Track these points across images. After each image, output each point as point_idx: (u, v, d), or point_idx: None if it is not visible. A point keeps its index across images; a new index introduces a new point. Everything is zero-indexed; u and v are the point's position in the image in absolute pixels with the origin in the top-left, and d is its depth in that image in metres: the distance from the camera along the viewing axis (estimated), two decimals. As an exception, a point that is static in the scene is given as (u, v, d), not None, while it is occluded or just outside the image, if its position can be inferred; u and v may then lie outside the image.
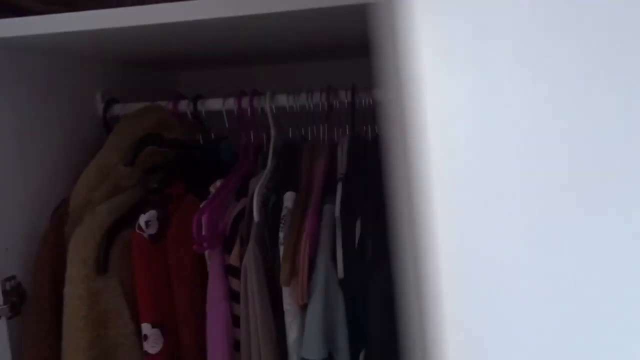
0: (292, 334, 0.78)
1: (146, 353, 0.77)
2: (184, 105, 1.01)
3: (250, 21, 0.69)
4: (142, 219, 0.79)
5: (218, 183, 0.89)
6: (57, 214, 0.86)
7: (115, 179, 0.86)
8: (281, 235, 0.79)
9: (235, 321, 0.80)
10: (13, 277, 0.78)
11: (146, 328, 0.77)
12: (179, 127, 0.98)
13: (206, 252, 0.82)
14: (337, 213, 0.79)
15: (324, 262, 0.76)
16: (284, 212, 0.81)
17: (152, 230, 0.81)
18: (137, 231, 0.79)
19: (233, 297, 0.80)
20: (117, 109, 1.03)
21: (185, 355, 0.79)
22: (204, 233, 0.79)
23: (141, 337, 0.77)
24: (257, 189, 0.84)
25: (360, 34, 0.71)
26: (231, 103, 0.99)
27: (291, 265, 0.75)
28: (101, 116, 1.04)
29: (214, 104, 1.01)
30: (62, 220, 0.83)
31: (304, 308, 0.78)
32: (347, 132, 0.96)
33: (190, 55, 1.09)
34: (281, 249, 0.79)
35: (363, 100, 0.94)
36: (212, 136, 1.03)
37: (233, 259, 0.80)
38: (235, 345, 0.80)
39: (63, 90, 0.94)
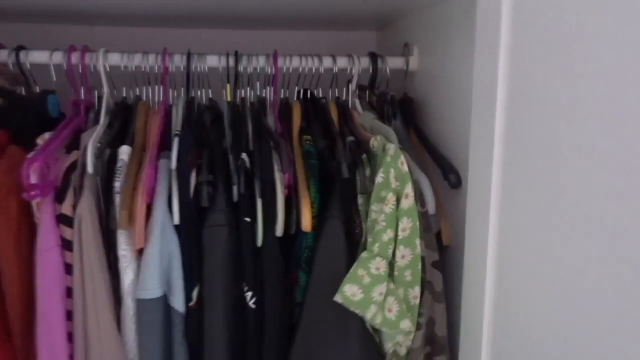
0: (127, 278, 0.83)
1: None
2: (4, 55, 0.96)
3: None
4: (-39, 167, 0.76)
5: (46, 135, 0.88)
6: None
7: None
8: (117, 184, 0.83)
9: (67, 269, 0.81)
10: None
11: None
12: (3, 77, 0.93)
13: (34, 202, 0.82)
14: (174, 166, 0.85)
15: (160, 209, 0.82)
16: (120, 164, 0.85)
17: (-28, 178, 0.77)
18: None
19: (65, 245, 0.81)
20: None
21: (13, 304, 0.78)
22: (33, 182, 0.78)
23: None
24: (91, 142, 0.86)
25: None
26: (59, 57, 0.97)
27: (129, 212, 0.80)
28: None
29: (40, 56, 0.97)
30: None
31: (139, 253, 0.83)
32: (183, 95, 1.02)
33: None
34: (117, 197, 0.82)
35: (198, 67, 1.01)
36: (37, 90, 0.99)
37: (65, 208, 0.81)
38: (68, 292, 0.81)
39: None
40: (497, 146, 0.65)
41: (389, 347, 0.82)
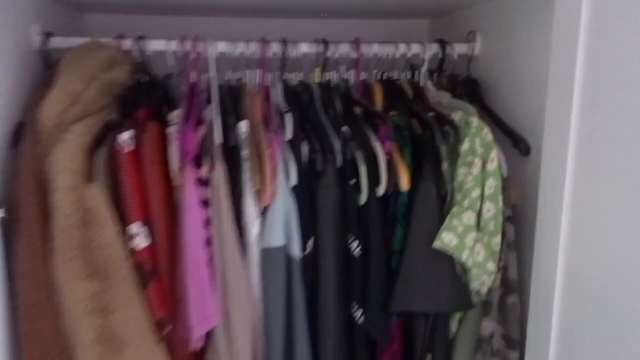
0: (253, 230, 0.99)
1: (136, 249, 0.90)
2: (129, 44, 1.11)
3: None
4: (123, 137, 0.91)
5: (175, 113, 1.03)
6: (25, 134, 0.91)
7: (85, 103, 0.94)
8: (244, 152, 0.99)
9: (205, 223, 0.97)
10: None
11: (136, 227, 0.90)
12: (128, 64, 1.08)
13: (175, 168, 0.97)
14: (289, 137, 1.01)
15: (281, 173, 0.98)
16: (244, 135, 1.00)
17: (130, 147, 0.93)
18: (119, 147, 0.90)
19: (203, 203, 0.96)
20: (57, 42, 1.08)
21: (162, 251, 0.94)
22: (181, 151, 0.94)
23: (126, 237, 0.90)
24: (215, 118, 1.01)
25: None
26: (174, 45, 1.12)
27: (260, 176, 0.96)
28: (36, 48, 1.07)
29: (158, 44, 1.12)
30: (33, 139, 0.90)
31: (262, 210, 0.99)
32: (279, 78, 1.17)
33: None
34: (245, 163, 0.98)
35: (292, 52, 1.16)
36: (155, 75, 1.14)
37: (204, 172, 0.97)
38: (206, 242, 0.97)
39: None
40: (575, 108, 0.79)
41: (474, 285, 0.99)
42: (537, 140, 1.01)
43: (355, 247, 0.99)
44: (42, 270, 0.85)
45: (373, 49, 1.19)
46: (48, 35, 1.08)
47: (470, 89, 1.19)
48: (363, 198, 1.00)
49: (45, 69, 1.08)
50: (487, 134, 0.96)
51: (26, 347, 0.90)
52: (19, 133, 0.96)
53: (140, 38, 1.12)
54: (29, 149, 0.88)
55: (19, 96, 1.00)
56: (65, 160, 0.86)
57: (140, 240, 0.90)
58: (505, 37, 1.12)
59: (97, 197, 0.88)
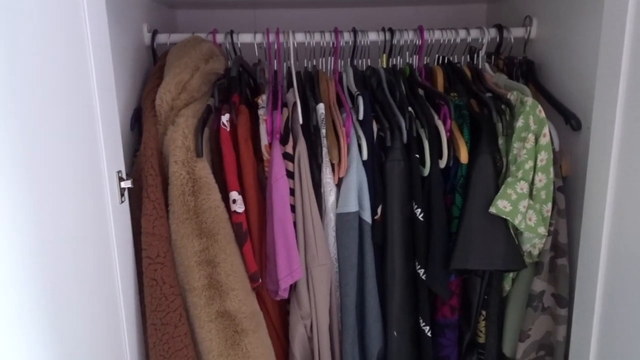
0: (330, 199, 1.15)
1: (235, 212, 1.08)
2: (221, 38, 1.28)
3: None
4: (224, 119, 1.09)
5: (263, 97, 1.20)
6: (144, 117, 1.11)
7: (191, 91, 1.12)
8: (323, 131, 1.14)
9: (290, 192, 1.14)
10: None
11: (234, 195, 1.08)
12: (223, 55, 1.25)
13: (265, 145, 1.14)
14: (361, 117, 1.16)
15: (354, 149, 1.13)
16: (321, 117, 1.16)
17: (228, 127, 1.11)
18: (222, 127, 1.08)
19: (288, 174, 1.13)
20: (163, 38, 1.27)
21: (252, 217, 1.12)
22: (270, 130, 1.11)
23: (228, 203, 1.08)
24: (297, 101, 1.17)
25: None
26: (260, 38, 1.29)
27: (336, 150, 1.12)
28: (147, 45, 1.27)
29: (246, 37, 1.29)
30: (151, 121, 1.09)
31: (338, 182, 1.15)
32: (349, 65, 1.32)
33: None
34: (323, 140, 1.14)
35: (361, 41, 1.30)
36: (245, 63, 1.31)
37: (288, 148, 1.13)
38: (291, 208, 1.14)
39: (115, 23, 1.13)
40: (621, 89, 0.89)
41: (526, 247, 1.11)
42: (588, 117, 1.11)
43: (419, 213, 1.14)
44: (165, 229, 1.04)
45: (435, 35, 1.31)
46: (155, 33, 1.27)
47: (526, 70, 1.28)
48: (426, 170, 1.13)
49: (153, 62, 1.27)
50: (540, 112, 1.06)
51: (148, 292, 1.10)
52: (137, 117, 1.16)
53: (231, 32, 1.29)
54: (151, 129, 1.08)
55: (135, 86, 1.20)
56: (179, 138, 1.05)
57: (238, 206, 1.09)
58: (559, 21, 1.21)
59: (205, 169, 1.06)
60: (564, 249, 1.14)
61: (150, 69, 1.27)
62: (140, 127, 1.12)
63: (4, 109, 0.57)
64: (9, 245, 0.58)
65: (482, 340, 1.22)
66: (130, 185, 0.98)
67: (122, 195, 0.95)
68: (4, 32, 0.58)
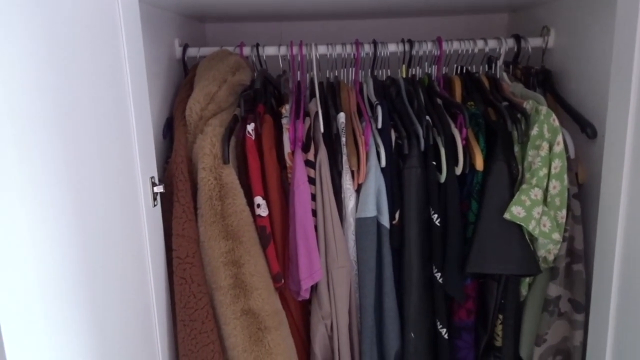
0: (350, 204, 1.20)
1: (259, 216, 1.14)
2: (247, 50, 1.35)
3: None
4: (250, 128, 1.15)
5: (287, 106, 1.26)
6: (175, 126, 1.19)
7: (218, 102, 1.19)
8: (343, 139, 1.20)
9: (311, 197, 1.19)
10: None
11: (259, 199, 1.14)
12: (249, 67, 1.32)
13: (287, 152, 1.20)
14: (380, 125, 1.20)
15: (372, 156, 1.18)
16: (342, 126, 1.21)
17: (252, 136, 1.17)
18: (248, 135, 1.15)
19: (310, 181, 1.19)
20: (193, 52, 1.35)
21: (275, 220, 1.18)
22: (293, 138, 1.17)
23: (253, 207, 1.14)
24: (319, 111, 1.23)
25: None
26: (283, 50, 1.35)
27: (356, 158, 1.17)
28: (178, 58, 1.35)
29: (270, 50, 1.36)
30: (181, 130, 1.17)
31: (357, 188, 1.20)
32: (370, 75, 1.37)
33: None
34: (344, 148, 1.19)
35: (381, 52, 1.35)
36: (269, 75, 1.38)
37: (310, 156, 1.19)
38: (312, 212, 1.19)
39: (150, 38, 1.21)
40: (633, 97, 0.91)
41: (542, 253, 1.13)
42: (604, 125, 1.12)
43: (435, 218, 1.18)
44: (193, 231, 1.11)
45: (453, 46, 1.35)
46: (186, 47, 1.35)
47: (543, 79, 1.31)
48: (443, 177, 1.17)
49: (184, 74, 1.35)
50: (554, 120, 1.09)
51: (178, 290, 1.18)
52: (169, 126, 1.24)
53: (256, 45, 1.36)
54: (182, 138, 1.15)
55: (168, 97, 1.28)
56: (207, 146, 1.12)
57: (262, 210, 1.15)
58: (576, 31, 1.24)
59: (231, 175, 1.13)
60: (580, 254, 1.16)
61: (181, 81, 1.35)
62: (173, 136, 1.19)
63: (57, 128, 0.65)
64: (58, 245, 0.65)
65: (499, 343, 1.25)
66: (162, 190, 1.05)
67: (154, 199, 1.02)
68: (57, 53, 0.66)
